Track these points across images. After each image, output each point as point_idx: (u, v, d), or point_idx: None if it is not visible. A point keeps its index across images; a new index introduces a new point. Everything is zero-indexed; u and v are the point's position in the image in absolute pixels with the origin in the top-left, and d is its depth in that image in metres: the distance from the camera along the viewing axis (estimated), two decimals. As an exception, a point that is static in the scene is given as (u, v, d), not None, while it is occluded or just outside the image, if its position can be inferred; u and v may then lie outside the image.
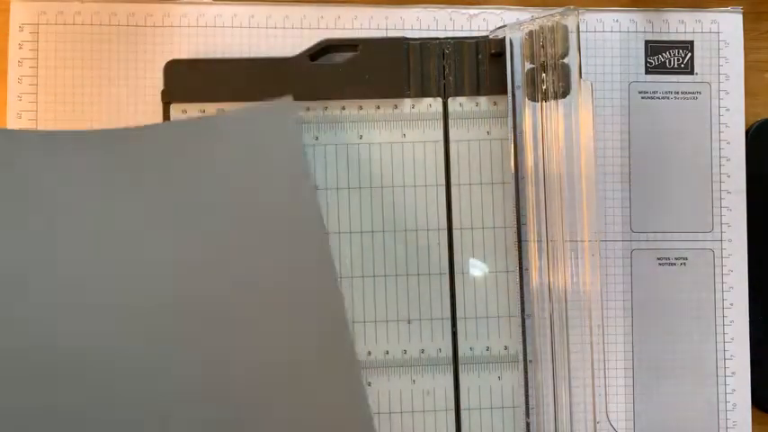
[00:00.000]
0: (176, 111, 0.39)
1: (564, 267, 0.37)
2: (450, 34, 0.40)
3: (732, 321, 0.40)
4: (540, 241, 0.37)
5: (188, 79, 0.39)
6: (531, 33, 0.38)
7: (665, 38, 0.41)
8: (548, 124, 0.37)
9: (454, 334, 0.39)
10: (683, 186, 0.41)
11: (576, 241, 0.37)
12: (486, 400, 0.38)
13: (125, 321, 0.30)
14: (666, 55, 0.41)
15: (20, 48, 0.39)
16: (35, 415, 0.28)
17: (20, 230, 0.30)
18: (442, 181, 0.39)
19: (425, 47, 0.40)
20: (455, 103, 0.40)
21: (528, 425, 0.37)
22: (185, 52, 0.40)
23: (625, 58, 0.41)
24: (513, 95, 0.38)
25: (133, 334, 0.30)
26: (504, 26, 0.39)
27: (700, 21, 0.41)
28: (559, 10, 0.37)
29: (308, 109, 0.39)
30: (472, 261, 0.39)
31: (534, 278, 0.37)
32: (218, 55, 0.40)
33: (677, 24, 0.41)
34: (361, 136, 0.39)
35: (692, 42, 0.41)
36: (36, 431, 0.28)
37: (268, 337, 0.31)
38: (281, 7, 0.40)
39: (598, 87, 0.41)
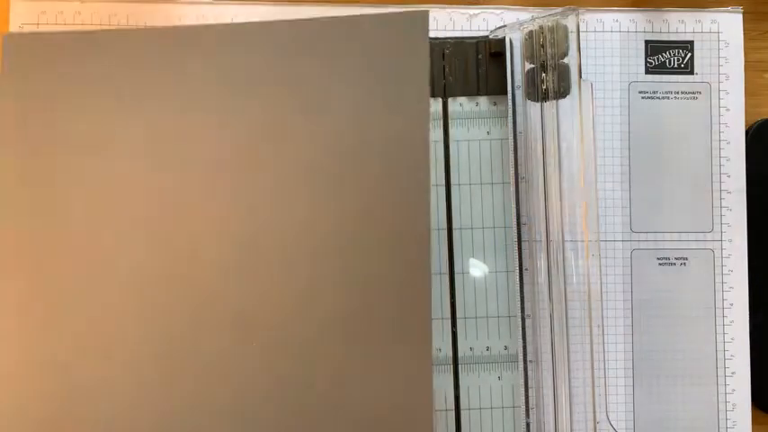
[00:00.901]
0: (176, 111, 0.39)
1: (564, 267, 0.37)
2: (450, 34, 0.40)
3: (732, 321, 0.40)
4: (539, 241, 0.37)
5: (188, 79, 0.39)
6: (531, 33, 0.38)
7: (665, 38, 0.41)
8: (548, 124, 0.37)
9: (454, 334, 0.39)
10: (683, 186, 0.41)
11: (576, 241, 0.37)
12: (486, 400, 0.38)
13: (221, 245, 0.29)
14: (666, 55, 0.41)
15: (20, 48, 0.39)
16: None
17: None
18: (442, 181, 0.39)
19: (425, 47, 0.40)
20: (455, 103, 0.40)
21: (528, 425, 0.37)
22: (185, 52, 0.40)
23: (625, 58, 0.41)
24: (513, 95, 0.38)
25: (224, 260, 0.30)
26: (504, 26, 0.39)
27: (700, 21, 0.41)
28: (559, 10, 0.37)
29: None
30: (472, 261, 0.39)
31: (534, 278, 0.37)
32: (218, 55, 0.40)
33: (677, 24, 0.41)
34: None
35: (692, 42, 0.41)
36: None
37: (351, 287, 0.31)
38: (280, 7, 0.40)
39: (598, 87, 0.41)
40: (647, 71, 0.41)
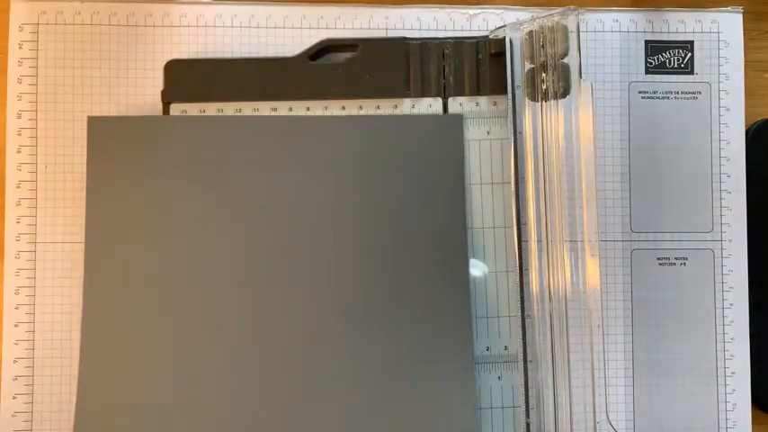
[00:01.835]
0: (176, 111, 0.39)
1: (564, 267, 0.37)
2: (450, 34, 0.40)
3: (732, 321, 0.40)
4: (540, 241, 0.37)
5: (188, 79, 0.39)
6: (531, 33, 0.38)
7: (665, 38, 0.41)
8: (548, 124, 0.37)
9: (454, 334, 0.39)
10: (683, 186, 0.41)
11: (576, 241, 0.37)
12: (486, 400, 0.38)
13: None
14: (666, 55, 0.41)
15: (20, 48, 0.39)
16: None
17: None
18: (442, 181, 0.39)
19: (425, 47, 0.40)
20: (455, 103, 0.40)
21: (528, 425, 0.37)
22: (185, 52, 0.40)
23: (625, 58, 0.41)
24: (513, 95, 0.38)
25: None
26: (504, 26, 0.39)
27: (700, 21, 0.41)
28: (559, 10, 0.37)
29: (307, 109, 0.39)
30: (472, 261, 0.39)
31: (534, 278, 0.37)
32: (218, 55, 0.40)
33: (677, 24, 0.41)
34: (362, 136, 0.40)
35: (692, 42, 0.41)
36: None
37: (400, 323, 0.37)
38: (281, 7, 0.40)
39: (598, 87, 0.41)
40: (647, 71, 0.41)
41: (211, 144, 0.37)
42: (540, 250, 0.37)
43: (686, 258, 0.40)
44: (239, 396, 0.36)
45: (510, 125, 0.38)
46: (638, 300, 0.40)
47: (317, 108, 0.39)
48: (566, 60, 0.37)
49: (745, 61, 0.41)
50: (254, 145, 0.37)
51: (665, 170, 0.41)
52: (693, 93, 0.41)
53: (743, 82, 0.41)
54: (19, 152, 0.39)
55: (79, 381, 0.37)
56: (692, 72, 0.41)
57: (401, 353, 0.37)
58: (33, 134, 0.39)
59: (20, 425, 0.38)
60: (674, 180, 0.41)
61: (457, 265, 0.37)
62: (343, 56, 0.40)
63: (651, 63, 0.41)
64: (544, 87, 0.37)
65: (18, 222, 0.39)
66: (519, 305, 0.38)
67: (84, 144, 0.39)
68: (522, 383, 0.38)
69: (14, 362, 0.39)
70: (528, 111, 0.38)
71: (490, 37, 0.40)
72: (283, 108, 0.39)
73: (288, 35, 0.40)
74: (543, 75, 0.37)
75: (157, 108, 0.39)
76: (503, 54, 0.39)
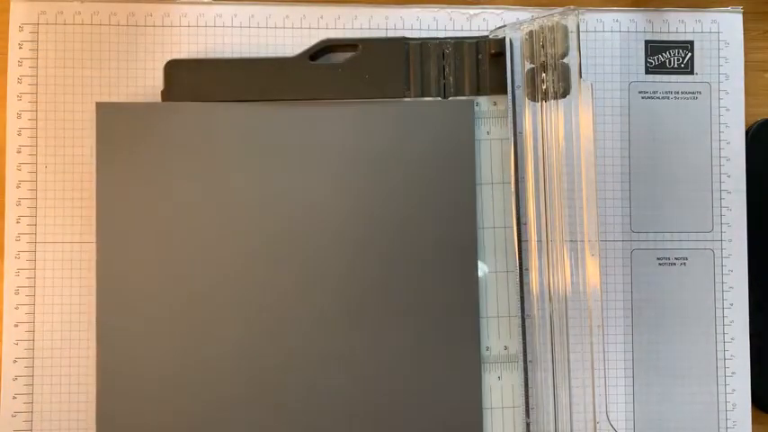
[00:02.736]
0: (176, 111, 0.39)
1: (564, 267, 0.37)
2: (450, 34, 0.40)
3: (732, 321, 0.40)
4: (540, 241, 0.37)
5: (188, 79, 0.39)
6: (531, 33, 0.38)
7: (665, 38, 0.41)
8: (548, 124, 0.37)
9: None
10: (683, 186, 0.41)
11: (576, 241, 0.37)
12: (486, 400, 0.38)
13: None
14: (666, 55, 0.41)
15: (20, 48, 0.39)
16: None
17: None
18: (442, 181, 0.39)
19: (425, 47, 0.40)
20: (455, 103, 0.40)
21: (528, 425, 0.37)
22: (185, 52, 0.40)
23: (625, 58, 0.41)
24: (513, 95, 0.38)
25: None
26: (504, 26, 0.39)
27: (700, 21, 0.41)
28: (559, 10, 0.37)
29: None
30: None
31: (534, 278, 0.37)
32: (218, 55, 0.40)
33: (677, 24, 0.41)
34: (362, 136, 0.40)
35: (692, 42, 0.41)
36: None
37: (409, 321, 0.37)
38: (281, 7, 0.40)
39: (598, 87, 0.41)
40: (647, 71, 0.41)
41: (218, 130, 0.37)
42: (540, 250, 0.37)
43: (686, 258, 0.40)
44: (252, 381, 0.37)
45: (510, 125, 0.38)
46: (638, 300, 0.40)
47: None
48: (566, 60, 0.37)
49: (745, 61, 0.41)
50: (261, 132, 0.37)
51: (665, 170, 0.41)
52: (693, 93, 0.41)
53: (743, 82, 0.41)
54: (19, 152, 0.39)
55: (98, 366, 0.37)
56: (692, 72, 0.41)
57: (409, 347, 0.37)
58: (33, 134, 0.39)
59: (20, 425, 0.38)
60: (674, 180, 0.41)
61: (467, 260, 0.38)
62: (343, 56, 0.40)
63: (651, 63, 0.41)
64: (544, 87, 0.37)
65: (18, 222, 0.39)
66: (519, 305, 0.38)
67: (85, 144, 0.39)
68: (522, 383, 0.38)
69: (14, 362, 0.39)
70: (528, 111, 0.38)
71: (490, 37, 0.40)
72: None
73: (288, 35, 0.40)
74: (543, 75, 0.37)
75: (157, 108, 0.39)
76: (503, 54, 0.39)
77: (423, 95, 0.39)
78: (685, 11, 0.41)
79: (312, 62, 0.40)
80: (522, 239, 0.38)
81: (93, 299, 0.39)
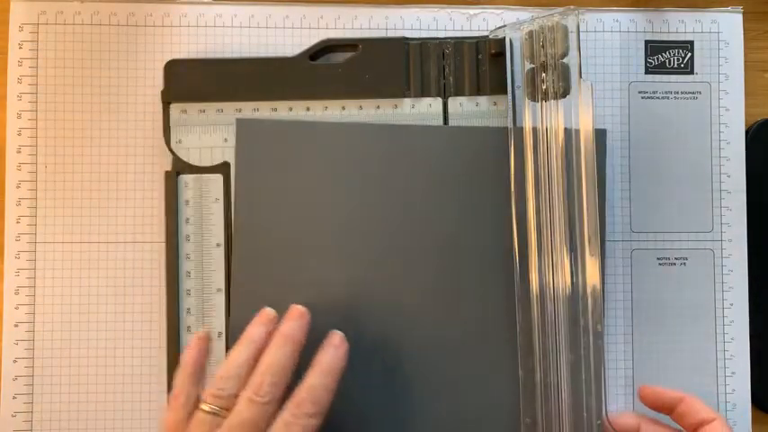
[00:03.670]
0: (176, 111, 0.39)
1: (564, 267, 0.37)
2: (450, 34, 0.40)
3: (732, 321, 0.40)
4: (540, 241, 0.37)
5: (188, 79, 0.39)
6: (531, 33, 0.38)
7: (665, 38, 0.41)
8: (548, 124, 0.37)
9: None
10: (683, 186, 0.41)
11: (576, 241, 0.37)
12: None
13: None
14: (666, 55, 0.41)
15: (20, 48, 0.39)
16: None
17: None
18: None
19: (425, 47, 0.40)
20: (455, 103, 0.40)
21: (528, 425, 0.37)
22: (185, 52, 0.40)
23: (625, 58, 0.41)
24: (513, 95, 0.38)
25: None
26: (504, 26, 0.39)
27: (700, 21, 0.41)
28: (559, 10, 0.37)
29: (307, 109, 0.39)
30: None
31: (534, 278, 0.37)
32: (218, 55, 0.40)
33: (677, 24, 0.41)
34: (362, 136, 0.40)
35: (692, 42, 0.41)
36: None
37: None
38: (281, 7, 0.40)
39: (598, 87, 0.41)
40: (647, 71, 0.41)
41: (338, 148, 0.39)
42: (540, 250, 0.37)
43: (686, 258, 0.40)
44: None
45: (510, 125, 0.38)
46: (638, 300, 0.40)
47: (317, 108, 0.39)
48: (566, 60, 0.37)
49: (745, 61, 0.41)
50: (373, 150, 0.39)
51: (665, 170, 0.41)
52: (693, 93, 0.41)
53: (743, 82, 0.41)
54: (19, 152, 0.39)
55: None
56: (692, 72, 0.41)
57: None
58: (33, 134, 0.39)
59: (20, 425, 0.38)
60: (674, 180, 0.41)
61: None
62: (343, 56, 0.40)
63: (651, 63, 0.41)
64: (544, 87, 0.37)
65: (18, 222, 0.39)
66: (519, 306, 0.38)
67: (84, 144, 0.39)
68: (522, 383, 0.38)
69: (14, 362, 0.39)
70: (528, 111, 0.38)
71: (490, 37, 0.40)
72: (283, 108, 0.39)
73: (288, 35, 0.40)
74: (543, 75, 0.37)
75: (157, 108, 0.39)
76: (503, 54, 0.39)
77: (422, 95, 0.39)
78: (685, 11, 0.41)
79: (312, 62, 0.39)
80: (522, 239, 0.38)
81: (92, 299, 0.39)
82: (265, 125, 0.39)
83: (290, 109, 0.39)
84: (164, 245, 0.39)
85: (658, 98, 0.41)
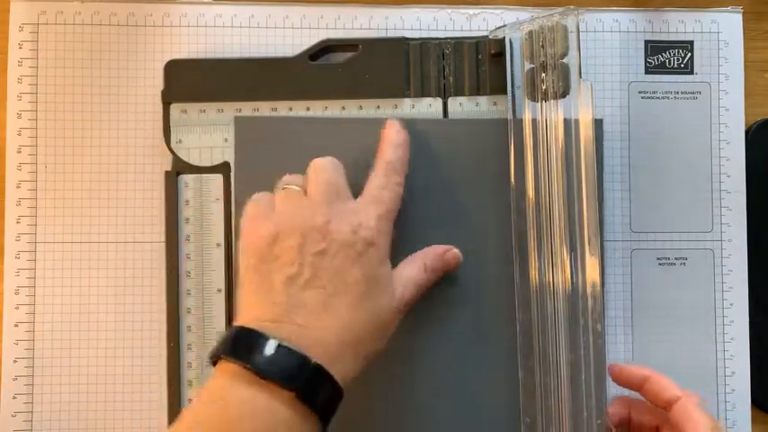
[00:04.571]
0: (176, 110, 0.39)
1: (564, 267, 0.37)
2: (450, 34, 0.40)
3: (732, 321, 0.40)
4: (540, 241, 0.37)
5: (188, 79, 0.39)
6: (530, 33, 0.38)
7: (664, 38, 0.41)
8: (548, 124, 0.37)
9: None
10: (683, 186, 0.41)
11: (576, 241, 0.37)
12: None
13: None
14: (666, 55, 0.41)
15: (20, 48, 0.39)
16: None
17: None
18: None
19: (425, 47, 0.40)
20: (455, 103, 0.40)
21: (528, 425, 0.37)
22: (185, 52, 0.40)
23: (625, 58, 0.41)
24: (513, 95, 0.38)
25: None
26: (504, 26, 0.39)
27: (700, 21, 0.41)
28: (559, 10, 0.37)
29: (307, 109, 0.39)
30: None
31: (534, 278, 0.37)
32: (218, 55, 0.40)
33: (677, 24, 0.41)
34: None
35: (691, 42, 0.41)
36: None
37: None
38: (281, 7, 0.40)
39: (598, 87, 0.41)
40: (647, 71, 0.41)
41: (333, 142, 0.38)
42: (540, 250, 0.37)
43: (686, 258, 0.40)
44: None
45: (510, 125, 0.38)
46: (638, 300, 0.40)
47: (317, 108, 0.39)
48: (565, 60, 0.37)
49: (745, 61, 0.41)
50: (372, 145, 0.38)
51: (665, 170, 0.41)
52: (693, 93, 0.41)
53: (743, 82, 0.41)
54: (19, 152, 0.39)
55: None
56: (691, 72, 0.41)
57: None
58: (33, 134, 0.39)
59: (20, 425, 0.38)
60: (674, 180, 0.41)
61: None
62: (343, 56, 0.40)
63: (651, 63, 0.41)
64: (544, 87, 0.37)
65: (18, 222, 0.39)
66: (519, 305, 0.38)
67: (84, 144, 0.39)
68: (522, 383, 0.37)
69: (14, 362, 0.39)
70: (528, 111, 0.38)
71: (490, 37, 0.40)
72: (283, 108, 0.39)
73: (288, 35, 0.40)
74: (543, 75, 0.37)
75: (158, 108, 0.39)
76: (503, 54, 0.39)
77: (422, 95, 0.39)
78: (685, 11, 0.41)
79: (312, 62, 0.39)
80: (522, 238, 0.38)
81: (92, 299, 0.39)
82: (263, 122, 0.39)
83: (290, 109, 0.39)
84: (164, 245, 0.39)
85: (658, 98, 0.41)
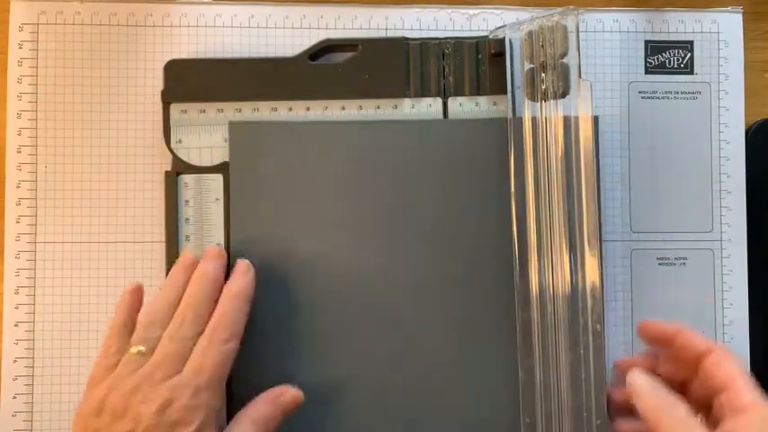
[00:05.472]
0: (176, 110, 0.39)
1: (564, 267, 0.37)
2: (450, 34, 0.40)
3: (732, 321, 0.40)
4: (539, 241, 0.37)
5: (188, 79, 0.39)
6: (530, 33, 0.38)
7: (664, 38, 0.41)
8: (548, 124, 0.37)
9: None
10: (683, 186, 0.41)
11: (576, 241, 0.37)
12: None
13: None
14: (666, 55, 0.41)
15: (20, 48, 0.39)
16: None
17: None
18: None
19: (425, 47, 0.40)
20: (455, 103, 0.40)
21: (528, 425, 0.37)
22: (185, 52, 0.40)
23: (625, 58, 0.41)
24: (513, 95, 0.38)
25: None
26: (504, 26, 0.39)
27: (700, 21, 0.41)
28: (559, 10, 0.37)
29: (307, 109, 0.39)
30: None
31: (534, 278, 0.37)
32: (218, 55, 0.40)
33: (677, 24, 0.41)
34: (362, 136, 0.40)
35: (691, 42, 0.41)
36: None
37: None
38: (281, 7, 0.40)
39: (598, 87, 0.41)
40: (647, 71, 0.41)
41: (329, 147, 0.39)
42: (540, 250, 0.37)
43: (686, 258, 0.40)
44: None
45: (510, 125, 0.38)
46: (638, 300, 0.40)
47: (317, 108, 0.39)
48: (565, 60, 0.37)
49: (745, 61, 0.41)
50: (369, 149, 0.39)
51: (665, 170, 0.41)
52: (693, 93, 0.41)
53: (743, 82, 0.41)
54: (19, 152, 0.39)
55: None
56: (691, 72, 0.41)
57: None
58: (33, 134, 0.39)
59: (20, 425, 0.38)
60: (674, 180, 0.41)
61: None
62: (343, 56, 0.40)
63: (651, 63, 0.41)
64: (544, 87, 0.37)
65: (18, 222, 0.39)
66: (519, 305, 0.38)
67: (84, 144, 0.39)
68: (523, 383, 0.37)
69: (14, 362, 0.39)
70: (528, 111, 0.38)
71: (490, 37, 0.40)
72: (283, 108, 0.39)
73: (288, 35, 0.40)
74: (543, 75, 0.37)
75: (157, 108, 0.39)
76: (503, 54, 0.39)
77: (422, 95, 0.39)
78: (685, 11, 0.41)
79: (312, 62, 0.40)
80: (522, 239, 0.38)
81: (92, 299, 0.39)
82: (258, 127, 0.39)
83: (290, 109, 0.39)
84: (164, 245, 0.39)
85: (658, 98, 0.41)
